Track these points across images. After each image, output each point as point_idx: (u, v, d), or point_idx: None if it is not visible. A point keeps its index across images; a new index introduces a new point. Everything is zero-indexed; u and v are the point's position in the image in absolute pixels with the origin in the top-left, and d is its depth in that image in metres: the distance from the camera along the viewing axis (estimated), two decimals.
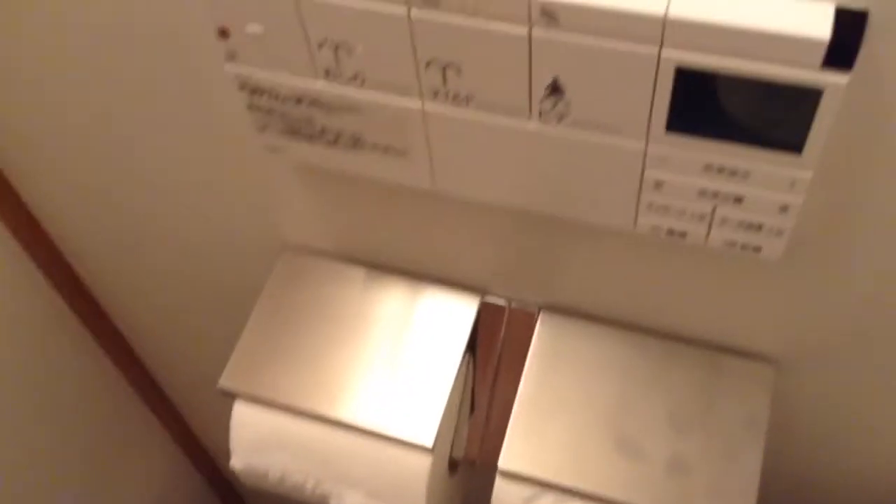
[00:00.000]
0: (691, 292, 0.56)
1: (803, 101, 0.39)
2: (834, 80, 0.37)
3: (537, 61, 0.42)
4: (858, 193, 0.46)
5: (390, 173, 0.53)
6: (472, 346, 0.64)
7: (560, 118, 0.45)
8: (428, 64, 0.45)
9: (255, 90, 0.51)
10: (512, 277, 0.63)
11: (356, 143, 0.52)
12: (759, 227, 0.46)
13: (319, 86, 0.49)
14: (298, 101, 0.51)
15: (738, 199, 0.45)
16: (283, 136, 0.54)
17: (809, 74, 0.37)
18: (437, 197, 0.57)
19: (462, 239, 0.61)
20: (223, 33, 0.48)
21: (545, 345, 0.63)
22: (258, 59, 0.49)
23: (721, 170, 0.44)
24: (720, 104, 0.41)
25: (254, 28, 0.47)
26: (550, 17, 0.39)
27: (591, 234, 0.55)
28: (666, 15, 0.37)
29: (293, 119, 0.52)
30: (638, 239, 0.53)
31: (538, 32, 0.40)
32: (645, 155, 0.45)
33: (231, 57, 0.49)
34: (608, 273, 0.58)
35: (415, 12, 0.42)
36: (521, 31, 0.41)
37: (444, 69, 0.44)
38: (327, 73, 0.48)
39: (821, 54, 0.36)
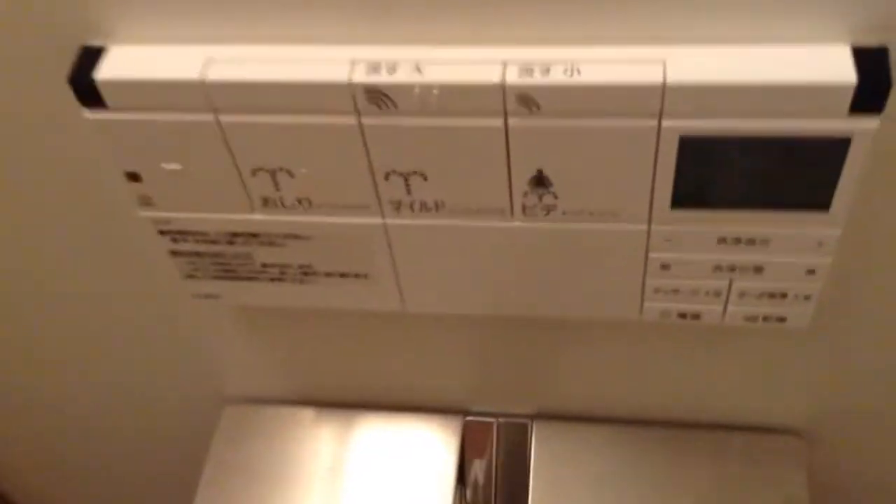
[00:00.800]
0: (708, 375, 0.51)
1: (829, 153, 0.34)
2: (863, 125, 0.33)
3: (517, 155, 0.36)
4: (888, 246, 0.41)
5: (351, 301, 0.46)
6: (461, 475, 0.57)
7: (547, 212, 0.39)
8: (387, 176, 0.38)
9: (178, 235, 0.43)
10: (498, 390, 0.56)
11: (306, 274, 0.45)
12: (784, 296, 0.41)
13: (257, 218, 0.42)
14: (232, 239, 0.43)
15: (759, 269, 0.40)
16: (215, 281, 0.46)
17: (836, 124, 0.33)
18: (404, 315, 0.50)
19: (437, 358, 0.54)
20: (133, 177, 0.40)
21: (545, 460, 0.55)
22: (178, 201, 0.41)
23: (737, 240, 0.39)
24: (731, 169, 0.36)
25: (170, 166, 0.39)
26: (529, 103, 0.34)
27: (587, 330, 0.49)
28: (664, 82, 0.32)
29: (228, 259, 0.44)
30: (644, 327, 0.47)
31: (516, 123, 0.35)
32: (648, 237, 0.39)
33: (145, 202, 0.42)
34: (610, 368, 0.52)
35: (367, 121, 0.36)
36: (496, 123, 0.35)
37: (406, 179, 0.38)
38: (265, 203, 0.41)
39: (848, 99, 0.32)
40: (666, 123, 0.34)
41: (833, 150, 0.34)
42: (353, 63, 0.34)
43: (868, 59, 0.32)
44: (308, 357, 0.56)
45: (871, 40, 0.32)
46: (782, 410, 0.52)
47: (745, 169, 0.35)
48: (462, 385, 0.56)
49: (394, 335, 0.53)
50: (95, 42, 0.37)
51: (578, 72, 0.33)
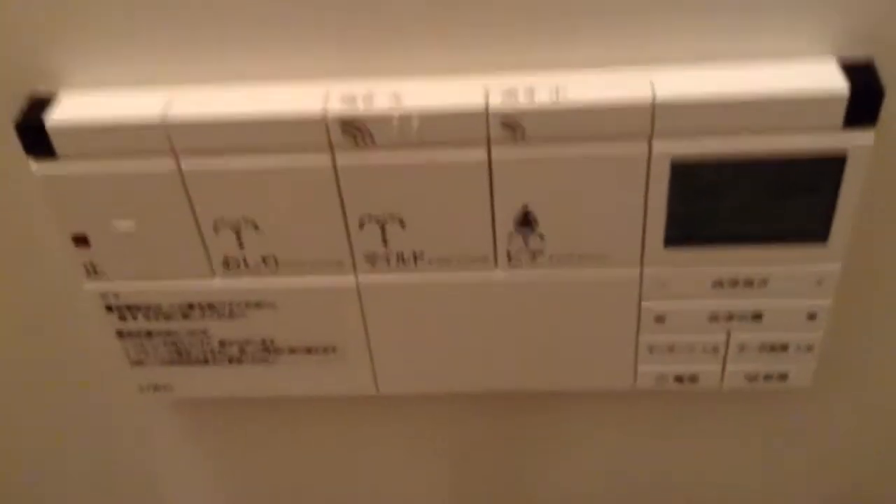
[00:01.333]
0: (710, 458, 0.47)
1: (824, 173, 0.33)
2: (858, 140, 0.32)
3: (501, 189, 0.34)
4: (889, 284, 0.39)
5: (317, 384, 0.42)
6: None
7: (534, 257, 0.36)
8: (362, 224, 0.35)
9: (126, 311, 0.39)
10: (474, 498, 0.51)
11: (268, 351, 0.41)
12: (785, 348, 0.39)
13: (217, 284, 0.38)
14: (187, 312, 0.39)
15: (757, 316, 0.38)
16: (166, 368, 0.42)
17: (831, 139, 0.32)
18: (365, 405, 0.46)
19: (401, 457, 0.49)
20: (80, 241, 0.37)
21: None
22: (129, 268, 0.38)
23: (734, 282, 0.37)
24: (725, 198, 0.34)
25: (123, 225, 0.36)
26: (514, 128, 0.32)
27: (571, 417, 0.46)
28: (654, 100, 0.31)
29: (181, 338, 0.40)
30: (636, 404, 0.44)
31: (500, 154, 0.33)
32: (641, 283, 0.37)
33: (92, 272, 0.38)
34: (600, 463, 0.48)
35: (342, 160, 0.33)
36: (479, 155, 0.33)
37: (382, 226, 0.36)
38: (227, 265, 0.37)
39: (842, 111, 0.31)
40: (657, 147, 0.32)
41: (828, 170, 0.33)
42: (328, 95, 0.32)
43: (856, 71, 0.31)
44: (261, 466, 0.50)
45: (857, 52, 0.32)
46: (793, 491, 0.48)
47: (738, 197, 0.34)
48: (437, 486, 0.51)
49: (359, 435, 0.48)
50: (47, 88, 0.35)
51: (564, 94, 0.32)
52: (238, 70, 0.34)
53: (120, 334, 0.40)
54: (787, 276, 0.36)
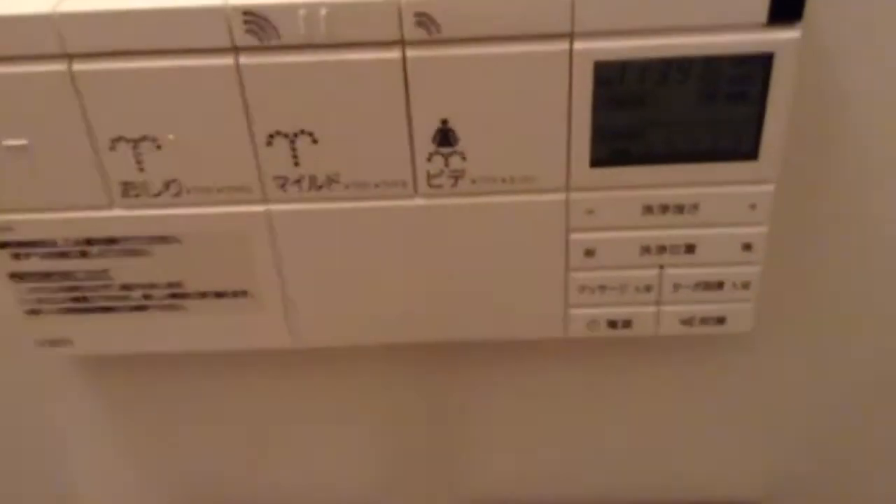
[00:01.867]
0: (650, 433, 0.45)
1: (750, 78, 0.32)
2: (784, 35, 0.31)
3: (417, 97, 0.32)
4: (825, 215, 0.38)
5: (230, 337, 0.39)
6: None
7: (455, 181, 0.34)
8: (270, 140, 0.33)
9: (20, 248, 0.37)
10: (409, 481, 0.47)
11: (176, 296, 0.38)
12: (721, 285, 0.37)
13: (116, 214, 0.35)
14: (86, 249, 0.36)
15: (690, 248, 0.36)
16: (64, 318, 0.39)
17: (755, 36, 0.31)
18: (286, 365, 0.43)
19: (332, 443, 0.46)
20: None
21: None
22: (22, 196, 0.35)
23: (664, 209, 0.35)
24: (650, 110, 0.33)
25: (15, 142, 0.34)
26: (428, 24, 0.30)
27: (500, 377, 0.43)
28: None
29: (80, 280, 0.37)
30: (569, 357, 0.42)
31: (415, 54, 0.31)
32: (567, 209, 0.35)
33: None
34: (537, 434, 0.45)
35: (245, 60, 0.31)
36: (392, 55, 0.31)
37: (292, 142, 0.33)
38: (126, 190, 0.35)
39: (765, 5, 0.30)
40: (578, 46, 0.31)
41: (755, 72, 0.31)
42: None
43: None
44: (172, 429, 0.47)
45: None
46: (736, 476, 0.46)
47: (664, 107, 0.32)
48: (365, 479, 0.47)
49: (275, 394, 0.45)
50: None
51: None
52: None
53: (14, 277, 0.37)
54: (718, 200, 0.34)
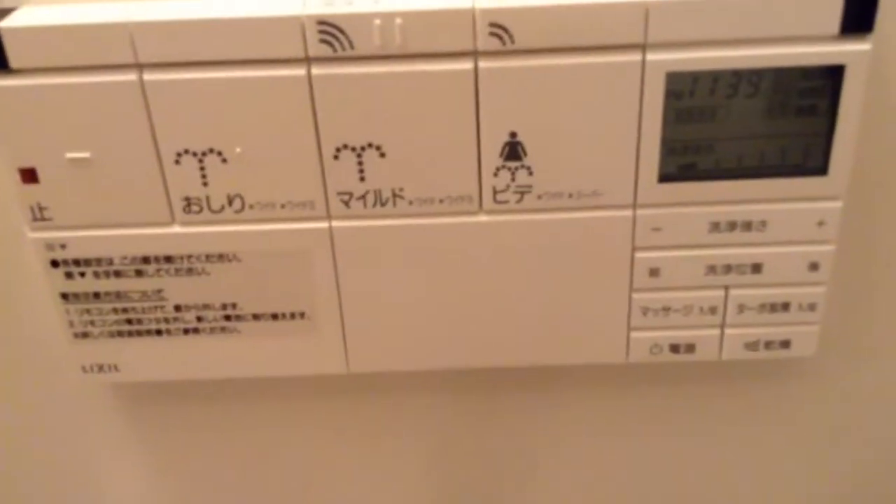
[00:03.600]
0: (706, 447, 0.43)
1: (820, 90, 0.32)
2: (856, 48, 0.31)
3: (487, 109, 0.32)
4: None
5: (284, 363, 0.38)
6: None
7: (521, 196, 0.34)
8: (337, 153, 0.33)
9: (74, 266, 0.36)
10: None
11: (229, 319, 0.37)
12: (786, 306, 0.36)
13: (176, 231, 0.35)
14: (141, 268, 0.36)
15: (757, 268, 0.35)
16: (113, 342, 0.38)
17: (825, 49, 0.31)
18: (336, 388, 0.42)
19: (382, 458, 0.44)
20: (29, 177, 0.34)
21: None
22: (80, 212, 0.35)
23: (732, 226, 0.34)
24: (717, 127, 0.33)
25: (78, 154, 0.33)
26: (502, 32, 0.31)
27: (560, 403, 0.42)
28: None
29: (133, 302, 0.37)
30: (628, 384, 0.41)
31: (487, 63, 0.31)
32: (634, 225, 0.34)
33: (38, 215, 0.35)
34: (590, 454, 0.44)
35: (317, 71, 0.31)
36: (465, 65, 0.31)
37: (359, 156, 0.33)
38: (188, 206, 0.34)
39: (837, 17, 0.30)
40: (651, 57, 0.31)
41: (825, 86, 0.31)
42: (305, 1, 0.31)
43: None
44: (211, 460, 0.45)
45: None
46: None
47: (733, 121, 0.32)
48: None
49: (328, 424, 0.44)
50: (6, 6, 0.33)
51: None
52: None
53: (65, 297, 0.37)
54: (786, 216, 0.34)
